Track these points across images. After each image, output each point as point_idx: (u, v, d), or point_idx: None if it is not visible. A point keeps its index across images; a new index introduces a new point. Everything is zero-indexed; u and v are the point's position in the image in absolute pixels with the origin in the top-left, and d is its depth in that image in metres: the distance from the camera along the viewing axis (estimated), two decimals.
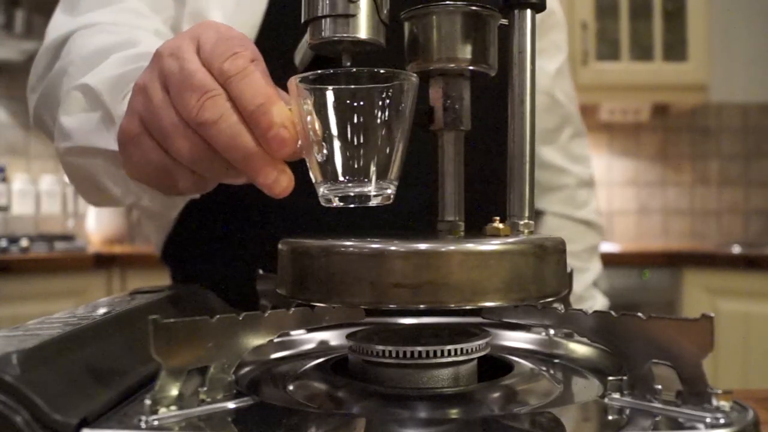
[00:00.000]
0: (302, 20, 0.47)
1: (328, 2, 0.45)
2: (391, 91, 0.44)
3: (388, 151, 0.45)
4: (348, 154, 0.44)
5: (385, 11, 0.46)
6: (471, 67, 0.48)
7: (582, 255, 1.02)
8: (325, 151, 0.44)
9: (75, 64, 0.62)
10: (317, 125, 0.44)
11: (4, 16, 2.42)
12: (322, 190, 0.46)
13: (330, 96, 0.44)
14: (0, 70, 2.68)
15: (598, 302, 1.03)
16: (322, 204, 0.46)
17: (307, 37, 0.48)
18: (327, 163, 0.45)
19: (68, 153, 0.62)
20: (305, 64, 0.54)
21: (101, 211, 2.61)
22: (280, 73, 0.74)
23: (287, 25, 0.74)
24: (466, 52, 0.47)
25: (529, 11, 0.47)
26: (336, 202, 0.45)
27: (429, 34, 0.48)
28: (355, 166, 0.45)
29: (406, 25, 0.49)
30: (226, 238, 0.78)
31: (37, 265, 2.10)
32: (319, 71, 0.44)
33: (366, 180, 0.45)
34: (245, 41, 0.45)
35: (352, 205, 0.45)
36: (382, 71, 0.44)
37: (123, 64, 0.58)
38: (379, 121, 0.44)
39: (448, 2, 0.47)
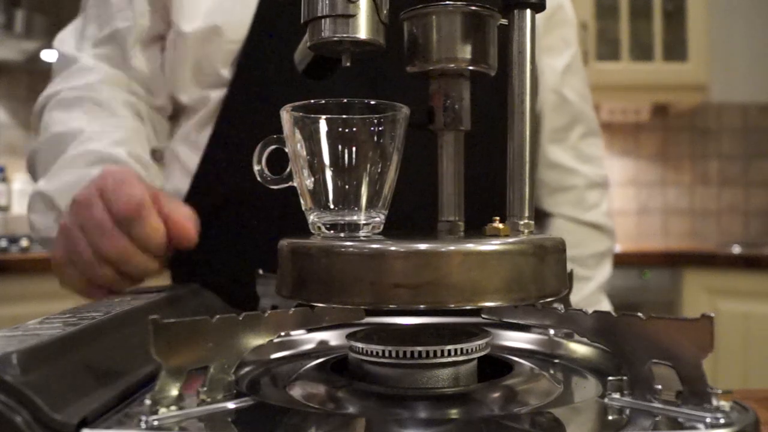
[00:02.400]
0: (302, 20, 0.47)
1: (327, 2, 0.45)
2: (382, 121, 0.45)
3: (378, 180, 0.46)
4: (338, 182, 0.45)
5: (384, 11, 0.46)
6: (471, 67, 0.48)
7: (588, 261, 0.97)
8: (315, 179, 0.45)
9: (41, 152, 0.77)
10: (308, 153, 0.45)
11: (4, 16, 2.42)
12: (312, 218, 0.47)
13: (322, 125, 0.44)
14: (0, 70, 2.68)
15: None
16: (312, 231, 0.47)
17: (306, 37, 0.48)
18: (317, 191, 0.46)
19: (38, 241, 0.77)
20: (304, 63, 0.54)
21: None
22: (274, 69, 0.75)
23: (279, 20, 0.75)
24: (466, 52, 0.47)
25: (528, 11, 0.47)
26: (324, 230, 0.46)
27: (429, 34, 0.48)
28: (345, 194, 0.46)
29: (406, 25, 0.49)
30: (227, 241, 0.79)
31: (37, 265, 2.10)
32: (312, 101, 0.45)
33: (356, 208, 0.46)
34: (134, 186, 0.59)
35: (341, 234, 0.46)
36: (373, 102, 0.45)
37: (75, 169, 0.71)
38: (369, 151, 0.45)
39: (447, 2, 0.47)
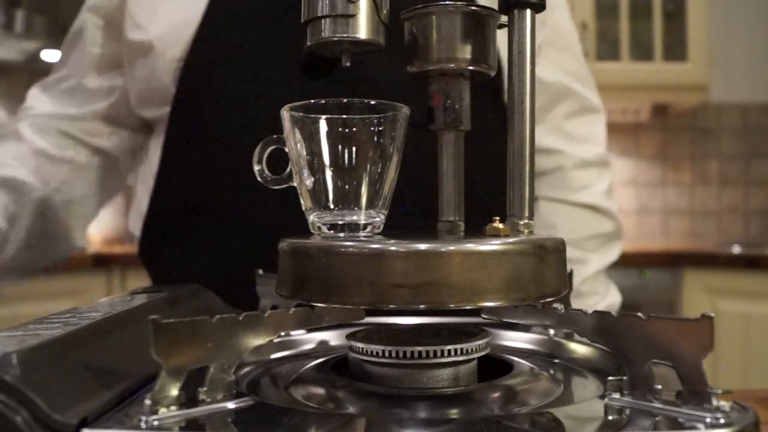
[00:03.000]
0: (302, 20, 0.47)
1: (327, 2, 0.45)
2: (382, 121, 0.45)
3: (378, 180, 0.46)
4: (338, 182, 0.45)
5: (384, 11, 0.46)
6: (470, 68, 0.48)
7: (585, 244, 0.89)
8: (315, 179, 0.45)
9: None
10: (308, 153, 0.45)
11: (4, 16, 2.41)
12: (311, 218, 0.47)
13: (322, 125, 0.45)
14: (0, 70, 2.68)
15: (602, 302, 0.89)
16: (312, 231, 0.47)
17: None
18: (317, 191, 0.46)
19: None
20: (302, 62, 0.54)
21: (102, 211, 2.62)
22: (219, 80, 0.77)
23: (225, 29, 0.76)
24: (466, 52, 0.47)
25: (528, 11, 0.47)
26: (325, 230, 0.46)
27: (429, 34, 0.48)
28: (345, 194, 0.46)
29: (406, 26, 0.49)
30: (190, 248, 0.80)
31: None
32: (312, 101, 0.45)
33: (356, 208, 0.46)
34: None
35: (341, 234, 0.46)
36: (373, 102, 0.45)
37: None
38: (369, 151, 0.45)
39: (447, 2, 0.47)
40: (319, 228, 0.47)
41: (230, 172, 0.74)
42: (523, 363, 0.49)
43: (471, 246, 0.41)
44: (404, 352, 0.43)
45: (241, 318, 0.39)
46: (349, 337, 0.47)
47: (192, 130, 0.78)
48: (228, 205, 0.76)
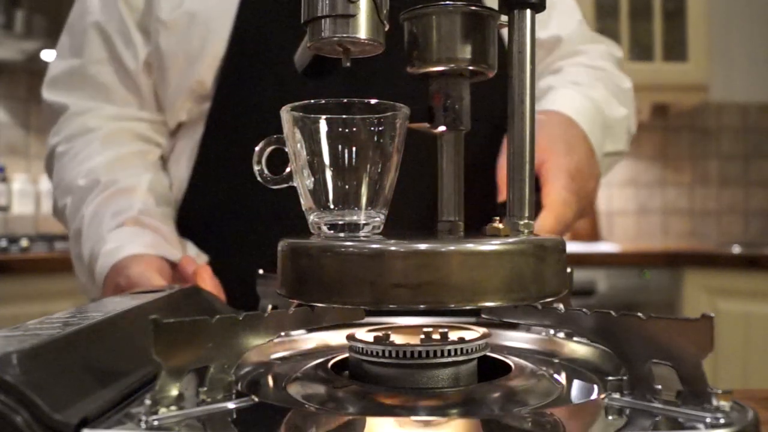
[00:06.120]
0: (302, 20, 0.47)
1: (327, 2, 0.45)
2: (382, 121, 0.45)
3: (378, 180, 0.46)
4: (338, 182, 0.45)
5: (384, 11, 0.46)
6: (471, 67, 0.48)
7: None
8: (315, 179, 0.45)
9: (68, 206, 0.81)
10: (308, 153, 0.45)
11: (4, 16, 2.41)
12: (312, 218, 0.47)
13: (322, 125, 0.45)
14: (0, 70, 2.68)
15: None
16: (312, 231, 0.47)
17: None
18: (317, 191, 0.46)
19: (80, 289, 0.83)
20: (303, 64, 0.54)
21: None
22: (257, 77, 0.76)
23: (261, 27, 0.76)
24: (466, 52, 0.47)
25: (528, 11, 0.47)
26: (325, 230, 0.46)
27: (429, 34, 0.48)
28: (345, 194, 0.46)
29: (406, 25, 0.49)
30: (225, 245, 0.81)
31: (37, 265, 2.10)
32: (312, 101, 0.45)
33: (356, 208, 0.46)
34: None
35: (341, 234, 0.46)
36: (373, 102, 0.45)
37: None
38: (369, 151, 0.45)
39: (447, 2, 0.47)
40: (320, 228, 0.47)
41: None
42: (523, 363, 0.49)
43: (471, 246, 0.41)
44: (404, 352, 0.43)
45: (241, 318, 0.39)
46: (349, 337, 0.47)
47: (230, 130, 0.79)
48: (263, 204, 0.76)
